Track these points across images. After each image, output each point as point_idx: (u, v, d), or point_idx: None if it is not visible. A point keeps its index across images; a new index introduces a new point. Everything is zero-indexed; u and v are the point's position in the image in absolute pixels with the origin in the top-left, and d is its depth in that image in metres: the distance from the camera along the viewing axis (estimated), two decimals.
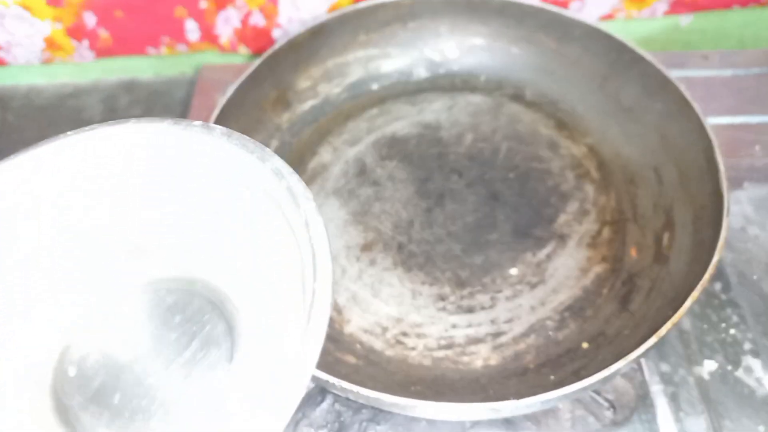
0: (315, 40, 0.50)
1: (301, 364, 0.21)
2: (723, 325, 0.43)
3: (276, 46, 0.49)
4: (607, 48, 0.49)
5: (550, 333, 0.40)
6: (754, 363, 0.41)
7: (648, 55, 0.47)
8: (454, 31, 0.53)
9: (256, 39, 0.57)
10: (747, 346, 0.42)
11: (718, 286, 0.45)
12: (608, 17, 0.58)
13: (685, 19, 0.59)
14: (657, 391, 0.40)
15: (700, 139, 0.42)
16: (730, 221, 0.48)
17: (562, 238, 0.45)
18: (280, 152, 0.43)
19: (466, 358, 0.40)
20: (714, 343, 0.42)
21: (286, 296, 0.24)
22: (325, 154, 0.50)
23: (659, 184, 0.45)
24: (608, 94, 0.50)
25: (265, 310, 0.26)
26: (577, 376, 0.37)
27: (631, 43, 0.48)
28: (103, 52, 0.58)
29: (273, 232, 0.25)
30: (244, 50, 0.58)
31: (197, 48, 0.58)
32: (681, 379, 0.41)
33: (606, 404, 0.38)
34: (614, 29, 0.58)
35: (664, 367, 0.41)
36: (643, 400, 0.40)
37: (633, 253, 0.43)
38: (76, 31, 0.56)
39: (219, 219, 0.28)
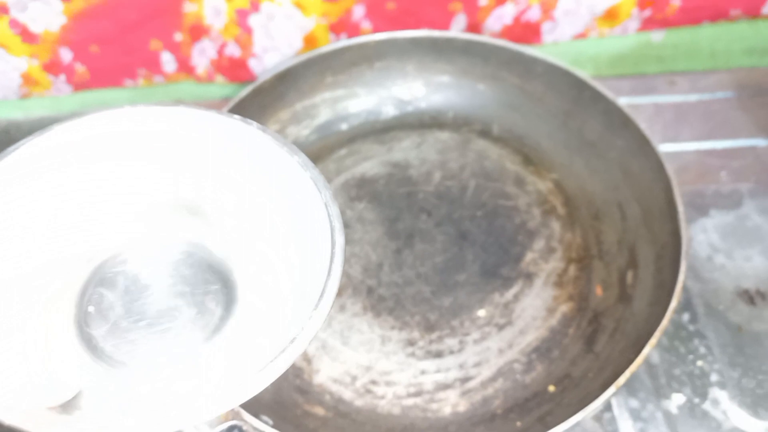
0: (281, 85, 0.51)
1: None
2: (690, 356, 0.43)
3: (242, 94, 0.49)
4: (568, 84, 0.49)
5: (518, 376, 0.41)
6: (721, 395, 0.42)
7: (608, 92, 0.47)
8: (420, 69, 0.54)
9: (232, 69, 0.58)
10: (714, 377, 0.43)
11: (686, 317, 0.45)
12: (581, 36, 0.58)
13: (657, 36, 0.60)
14: (626, 427, 0.41)
15: (659, 177, 0.43)
16: (696, 250, 0.48)
17: (529, 277, 0.45)
18: None
19: (434, 405, 0.40)
20: (682, 375, 0.43)
21: (298, 264, 0.29)
22: None
23: (623, 220, 0.46)
24: (572, 129, 0.50)
25: (273, 279, 0.30)
26: (543, 422, 0.38)
27: (591, 80, 0.48)
28: (80, 85, 0.58)
29: (298, 210, 0.29)
30: (221, 80, 0.59)
31: (174, 79, 0.58)
32: (650, 414, 0.41)
33: None
34: (588, 47, 0.59)
35: (633, 403, 0.42)
36: None
37: (598, 291, 0.44)
38: (53, 67, 0.56)
39: (250, 197, 0.31)
